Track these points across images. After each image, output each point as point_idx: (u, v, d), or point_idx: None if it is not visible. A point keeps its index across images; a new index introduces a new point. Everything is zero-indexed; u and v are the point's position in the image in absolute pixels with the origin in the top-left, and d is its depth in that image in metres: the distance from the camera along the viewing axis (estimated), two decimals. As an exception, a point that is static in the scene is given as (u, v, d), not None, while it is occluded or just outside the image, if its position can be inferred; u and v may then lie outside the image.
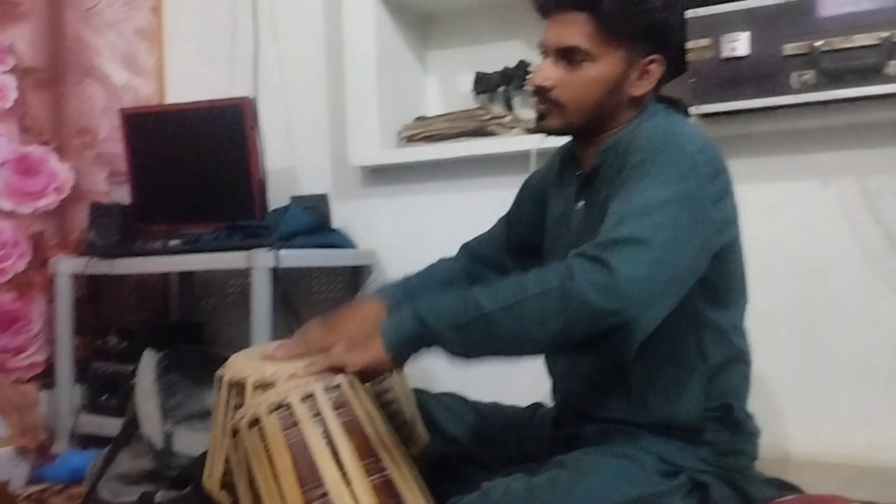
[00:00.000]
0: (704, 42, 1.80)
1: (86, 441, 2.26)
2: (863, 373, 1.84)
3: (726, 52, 1.78)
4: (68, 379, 2.32)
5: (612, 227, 1.08)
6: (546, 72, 1.26)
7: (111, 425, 2.19)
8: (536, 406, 1.45)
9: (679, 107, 1.35)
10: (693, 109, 1.81)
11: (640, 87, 1.26)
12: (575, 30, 1.23)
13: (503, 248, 1.49)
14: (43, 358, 2.40)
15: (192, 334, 2.52)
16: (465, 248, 1.54)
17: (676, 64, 1.31)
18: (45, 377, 2.39)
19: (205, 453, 1.54)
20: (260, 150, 2.27)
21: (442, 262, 1.52)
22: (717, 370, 1.23)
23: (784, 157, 1.92)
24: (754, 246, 1.91)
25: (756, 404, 1.89)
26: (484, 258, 1.50)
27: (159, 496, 1.61)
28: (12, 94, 2.33)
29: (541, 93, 1.27)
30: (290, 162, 2.53)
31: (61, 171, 2.46)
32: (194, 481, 1.56)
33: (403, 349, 1.11)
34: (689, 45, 1.80)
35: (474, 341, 1.07)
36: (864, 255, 1.85)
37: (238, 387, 1.22)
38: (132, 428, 1.70)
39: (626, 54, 1.23)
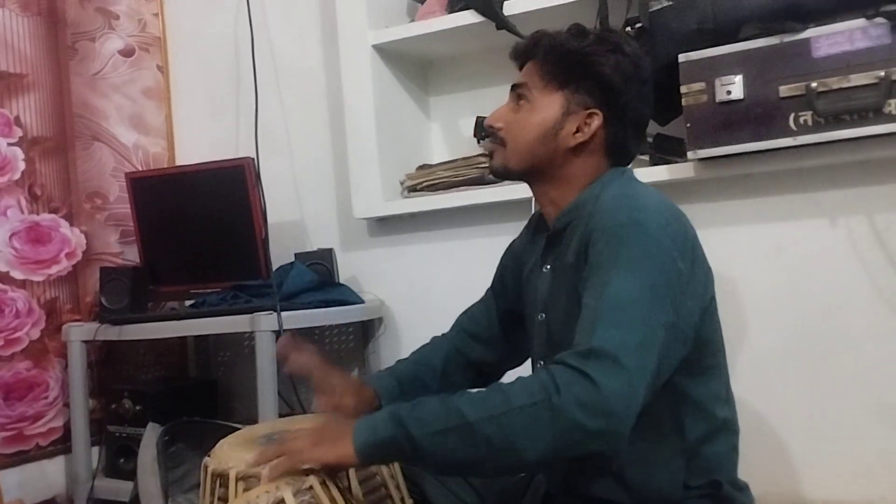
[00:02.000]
0: (698, 86, 1.76)
1: (101, 508, 2.27)
2: (881, 413, 1.77)
3: (721, 96, 1.73)
4: (84, 443, 2.34)
5: (588, 332, 1.05)
6: (497, 113, 1.33)
7: (128, 490, 2.20)
8: (530, 478, 1.41)
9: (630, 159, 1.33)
10: (690, 154, 1.78)
11: (575, 139, 1.26)
12: (526, 75, 1.30)
13: (493, 320, 1.49)
14: (61, 423, 2.42)
15: (206, 393, 2.53)
16: (458, 323, 1.54)
17: (628, 126, 1.29)
18: (64, 442, 2.42)
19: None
20: (262, 209, 2.27)
21: (434, 341, 1.52)
22: (698, 444, 1.20)
23: (788, 197, 1.87)
24: (759, 287, 1.89)
25: (770, 451, 1.85)
26: (475, 334, 1.50)
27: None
28: (20, 166, 2.37)
29: (491, 132, 1.33)
30: (296, 215, 2.54)
31: (72, 237, 2.49)
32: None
33: (373, 451, 1.08)
34: (683, 89, 1.77)
35: (452, 449, 1.04)
36: (877, 293, 1.79)
37: (222, 478, 1.21)
38: (136, 505, 1.71)
39: (563, 101, 1.27)
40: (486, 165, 2.18)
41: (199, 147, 2.72)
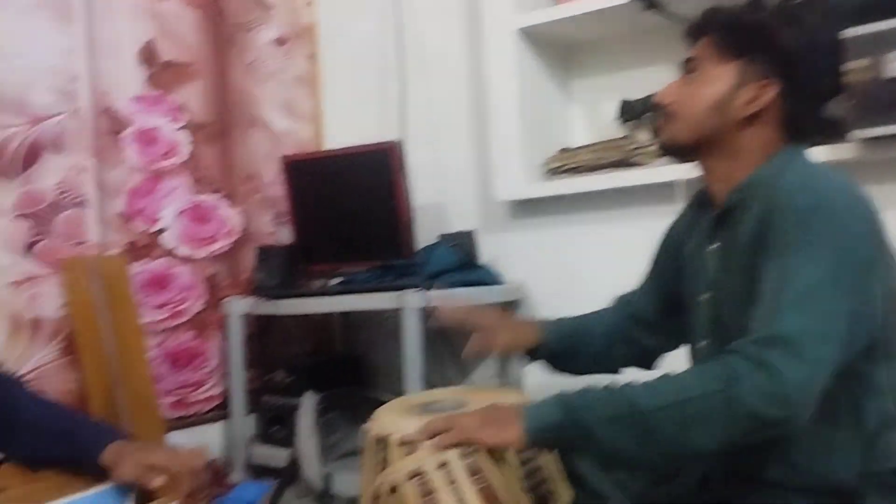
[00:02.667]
0: (864, 62, 1.68)
1: (259, 471, 2.41)
2: None
3: (889, 72, 1.65)
4: (241, 411, 2.49)
5: (769, 319, 1.04)
6: (668, 89, 1.30)
7: (281, 456, 2.33)
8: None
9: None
10: (855, 134, 1.70)
11: (747, 109, 1.22)
12: (698, 49, 1.27)
13: (655, 303, 1.47)
14: (219, 391, 2.59)
15: (353, 368, 2.63)
16: (621, 301, 1.52)
17: (805, 99, 1.25)
18: (222, 409, 2.59)
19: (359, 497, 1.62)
20: (408, 191, 2.34)
21: (599, 312, 1.52)
22: (878, 431, 1.15)
23: (962, 179, 1.76)
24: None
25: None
26: (636, 317, 1.48)
27: (319, 537, 1.70)
28: (186, 149, 2.54)
29: (659, 108, 1.30)
30: (439, 199, 2.60)
31: (231, 217, 2.65)
32: (351, 525, 1.65)
33: (541, 437, 1.10)
34: (850, 65, 1.69)
35: (626, 438, 1.04)
36: None
37: (383, 443, 1.26)
38: (295, 468, 1.81)
39: (737, 71, 1.22)
40: (634, 147, 2.17)
41: (346, 132, 2.82)
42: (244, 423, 2.49)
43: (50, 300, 2.18)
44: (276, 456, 2.36)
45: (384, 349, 2.72)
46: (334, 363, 2.68)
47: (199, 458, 1.23)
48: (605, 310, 1.54)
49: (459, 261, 2.32)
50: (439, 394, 1.51)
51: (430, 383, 2.36)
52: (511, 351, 1.48)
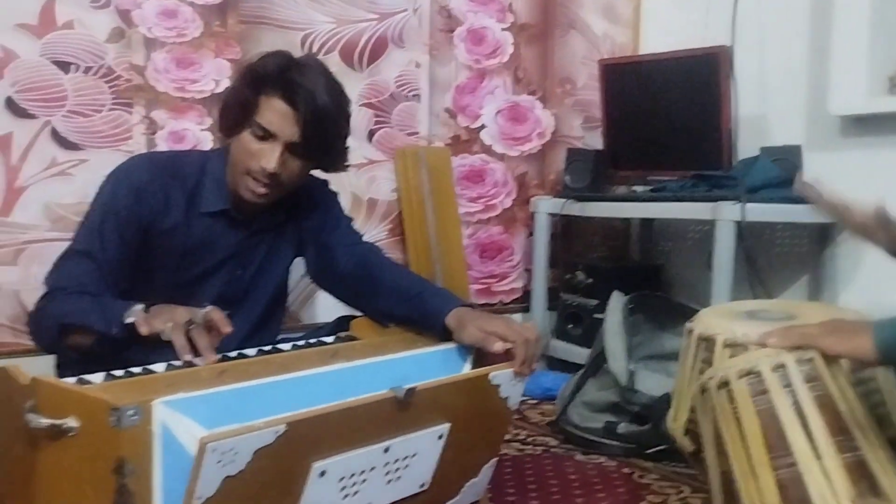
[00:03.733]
0: None
1: (553, 363, 2.53)
2: None
3: None
4: (542, 306, 2.61)
5: None
6: None
7: (575, 352, 2.44)
8: None
9: None
10: None
11: None
12: None
13: None
14: (521, 285, 2.73)
15: (651, 277, 2.64)
16: None
17: None
18: (522, 302, 2.73)
19: (666, 395, 1.66)
20: (732, 99, 2.25)
21: None
22: None
23: None
24: None
25: None
26: None
27: (621, 428, 1.76)
28: (509, 49, 2.63)
29: None
30: (761, 110, 2.46)
31: (544, 118, 2.72)
32: (654, 420, 1.69)
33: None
34: None
35: None
36: None
37: (707, 342, 1.28)
38: (599, 361, 1.88)
39: None
40: None
41: (665, 39, 2.74)
42: (544, 316, 2.61)
43: (384, 184, 2.41)
44: (571, 352, 2.46)
45: (682, 262, 2.69)
46: (632, 270, 2.70)
47: (533, 330, 1.31)
48: None
49: (780, 176, 2.19)
50: (765, 304, 1.49)
51: (735, 299, 2.31)
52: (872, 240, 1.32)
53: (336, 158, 1.51)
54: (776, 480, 1.05)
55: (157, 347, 1.20)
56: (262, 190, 1.43)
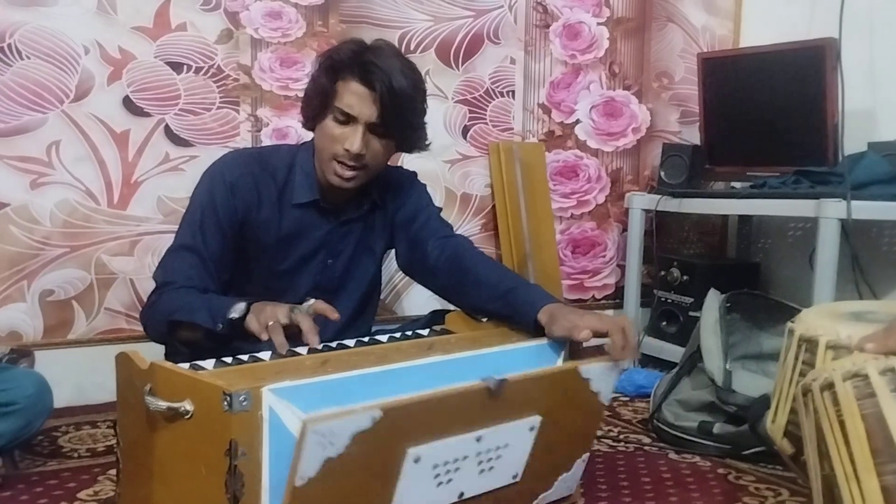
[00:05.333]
0: None
1: (645, 361, 2.50)
2: None
3: None
4: (635, 303, 2.59)
5: None
6: None
7: (668, 350, 2.41)
8: None
9: None
10: None
11: None
12: None
13: None
14: (613, 281, 2.71)
15: (749, 274, 2.58)
16: None
17: None
18: (614, 298, 2.71)
19: (763, 397, 1.62)
20: (838, 93, 2.17)
21: None
22: None
23: None
24: None
25: None
26: None
27: (717, 428, 1.73)
28: (605, 44, 2.61)
29: None
30: (869, 104, 2.37)
31: (640, 113, 2.69)
32: (751, 421, 1.66)
33: None
34: None
35: None
36: None
37: (810, 343, 1.25)
38: (695, 359, 1.85)
39: None
40: None
41: (766, 31, 2.67)
42: (637, 313, 2.59)
43: (478, 179, 2.44)
44: (664, 349, 2.43)
45: (782, 260, 2.62)
46: (728, 268, 2.65)
47: (625, 321, 1.31)
48: None
49: (889, 173, 2.11)
50: (871, 305, 1.44)
51: (838, 299, 2.24)
52: None
53: (415, 136, 1.54)
54: (881, 486, 1.02)
55: (261, 340, 1.26)
56: (349, 173, 1.48)
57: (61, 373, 1.83)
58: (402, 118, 1.47)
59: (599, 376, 1.30)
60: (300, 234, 1.56)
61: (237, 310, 1.30)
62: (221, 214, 1.49)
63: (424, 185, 1.70)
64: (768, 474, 1.62)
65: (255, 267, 1.55)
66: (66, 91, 1.90)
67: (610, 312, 2.70)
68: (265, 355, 1.23)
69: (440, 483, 1.13)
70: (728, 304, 1.88)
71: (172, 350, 1.49)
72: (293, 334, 1.25)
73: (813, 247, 2.03)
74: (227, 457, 0.97)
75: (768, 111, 2.37)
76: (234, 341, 1.31)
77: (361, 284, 1.66)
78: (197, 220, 1.49)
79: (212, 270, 1.47)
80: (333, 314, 1.28)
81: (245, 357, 1.22)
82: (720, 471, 1.64)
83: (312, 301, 1.29)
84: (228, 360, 1.20)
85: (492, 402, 1.13)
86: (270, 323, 1.24)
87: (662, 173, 2.58)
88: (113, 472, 1.37)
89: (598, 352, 1.31)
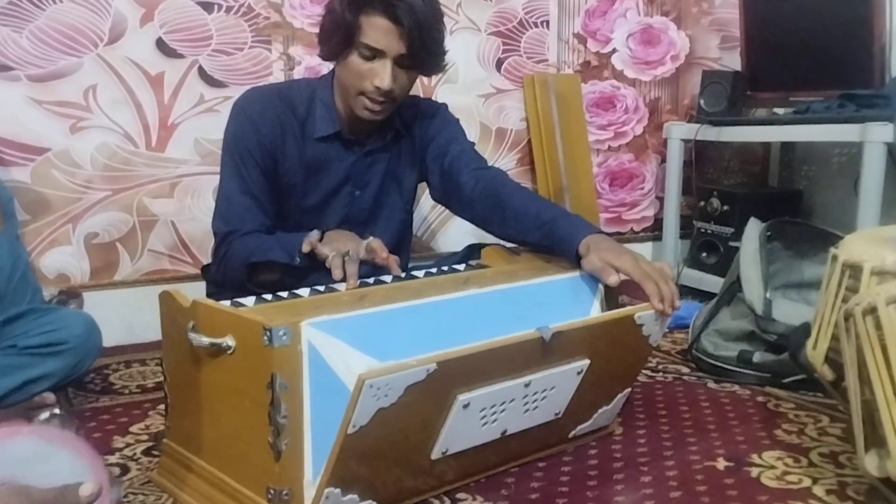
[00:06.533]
0: None
1: (685, 292, 2.49)
2: None
3: None
4: (674, 235, 2.56)
5: None
6: None
7: (708, 281, 2.39)
8: None
9: None
10: None
11: None
12: None
13: None
14: (652, 213, 2.69)
15: (791, 203, 2.53)
16: None
17: None
18: (653, 231, 2.68)
19: (804, 325, 1.61)
20: (886, 12, 2.09)
21: None
22: None
23: None
24: None
25: None
26: None
27: (757, 357, 1.72)
28: (641, -31, 2.54)
29: None
30: (920, 22, 2.28)
31: (678, 40, 2.62)
32: (791, 349, 1.64)
33: None
34: None
35: None
36: None
37: (853, 269, 1.23)
38: (734, 289, 1.83)
39: None
40: None
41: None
42: (676, 245, 2.56)
43: (513, 113, 2.41)
44: (704, 280, 2.42)
45: (826, 187, 2.57)
46: (770, 196, 2.60)
47: (665, 268, 1.30)
48: None
49: (939, 95, 2.04)
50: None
51: (884, 224, 2.20)
52: None
53: (438, 62, 1.53)
54: (922, 410, 1.02)
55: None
56: (378, 108, 1.47)
57: (109, 313, 1.88)
58: (428, 49, 1.46)
59: (652, 320, 1.29)
60: (325, 168, 1.57)
61: (309, 242, 1.34)
62: (254, 150, 1.50)
63: (457, 119, 1.69)
64: (808, 401, 1.61)
65: (284, 205, 1.57)
66: (100, 34, 1.90)
67: (649, 245, 2.68)
68: (304, 291, 1.25)
69: (485, 423, 1.15)
70: (769, 233, 1.85)
71: (213, 290, 1.52)
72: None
73: (858, 172, 1.98)
74: (268, 390, 1.00)
75: (812, 33, 2.29)
76: (311, 273, 1.35)
77: (393, 215, 1.66)
78: (236, 161, 1.50)
79: (266, 207, 1.52)
80: (383, 252, 1.32)
81: (284, 294, 1.24)
82: (759, 399, 1.64)
83: (370, 238, 1.34)
84: (268, 296, 1.22)
85: (543, 350, 1.14)
86: (333, 253, 1.29)
87: (702, 102, 2.52)
88: (162, 406, 1.41)
89: (619, 290, 1.31)
